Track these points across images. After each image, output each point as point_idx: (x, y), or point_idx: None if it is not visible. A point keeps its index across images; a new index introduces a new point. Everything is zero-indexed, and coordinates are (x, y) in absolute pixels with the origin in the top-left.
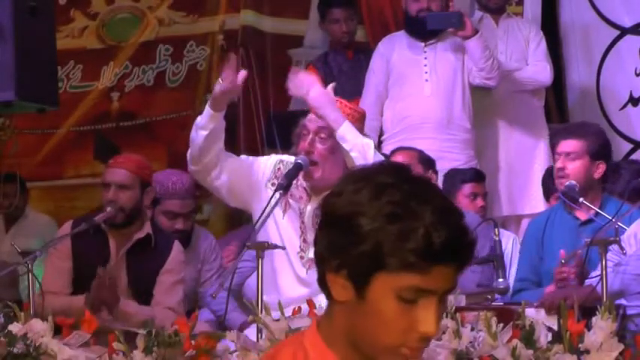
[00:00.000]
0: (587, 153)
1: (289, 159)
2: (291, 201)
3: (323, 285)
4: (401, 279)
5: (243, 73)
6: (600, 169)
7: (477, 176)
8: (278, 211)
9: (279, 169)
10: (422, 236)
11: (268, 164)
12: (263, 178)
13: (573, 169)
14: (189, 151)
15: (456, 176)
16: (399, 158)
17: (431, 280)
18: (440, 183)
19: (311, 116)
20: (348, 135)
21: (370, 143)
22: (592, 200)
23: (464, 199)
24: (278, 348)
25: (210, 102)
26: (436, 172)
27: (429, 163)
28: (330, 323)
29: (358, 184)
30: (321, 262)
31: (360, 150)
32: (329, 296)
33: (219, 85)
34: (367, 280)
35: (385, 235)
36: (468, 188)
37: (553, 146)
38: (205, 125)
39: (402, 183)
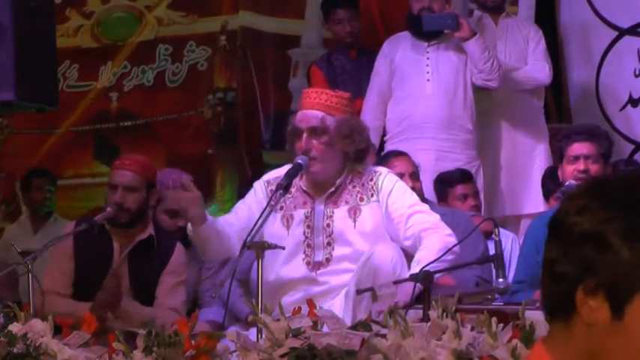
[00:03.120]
0: (601, 155)
1: (276, 174)
2: (293, 213)
3: (562, 304)
4: None
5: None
6: (609, 170)
7: (463, 177)
8: (281, 230)
9: (271, 190)
10: None
11: (258, 193)
12: (262, 206)
13: (596, 171)
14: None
15: (444, 180)
16: (405, 165)
17: None
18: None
19: (300, 116)
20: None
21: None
22: None
23: (455, 201)
24: None
25: (189, 220)
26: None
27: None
28: (566, 345)
29: (602, 198)
30: (566, 280)
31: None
32: (566, 317)
33: (183, 212)
34: (628, 300)
35: None
36: (457, 190)
37: (561, 148)
38: (196, 238)
39: None
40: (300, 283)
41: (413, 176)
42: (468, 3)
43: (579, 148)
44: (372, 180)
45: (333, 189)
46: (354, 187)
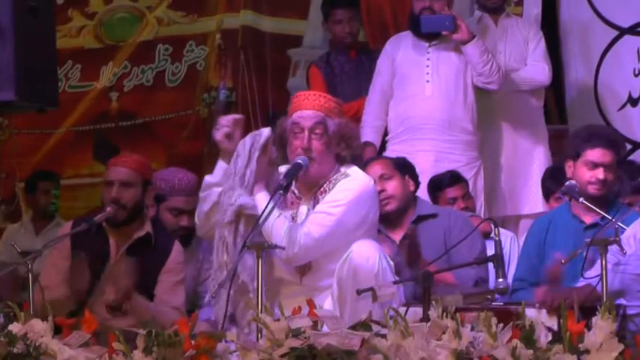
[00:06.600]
0: (616, 163)
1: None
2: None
3: None
4: None
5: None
6: (617, 174)
7: (452, 180)
8: None
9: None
10: None
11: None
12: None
13: (611, 181)
14: (196, 218)
15: (434, 184)
16: (375, 169)
17: None
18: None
19: (302, 113)
20: None
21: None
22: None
23: (445, 204)
24: None
25: (221, 155)
26: (415, 178)
27: (405, 168)
28: None
29: None
30: None
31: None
32: None
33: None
34: None
35: None
36: (447, 193)
37: (578, 147)
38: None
39: None
40: (288, 286)
41: (382, 178)
42: (474, 4)
43: (600, 155)
44: (336, 179)
45: (316, 189)
46: (330, 188)
